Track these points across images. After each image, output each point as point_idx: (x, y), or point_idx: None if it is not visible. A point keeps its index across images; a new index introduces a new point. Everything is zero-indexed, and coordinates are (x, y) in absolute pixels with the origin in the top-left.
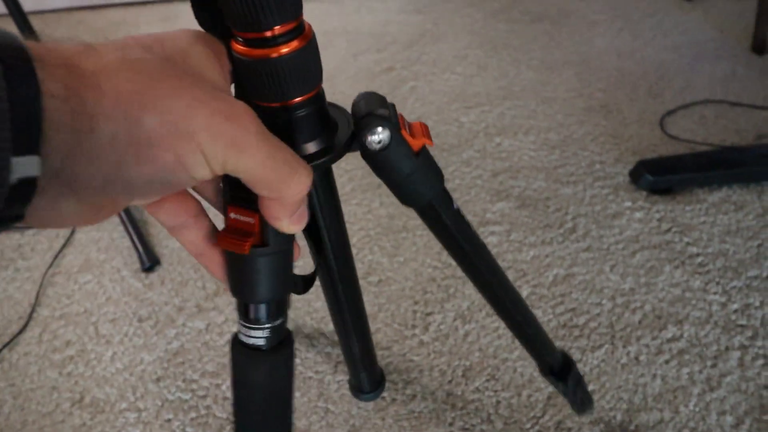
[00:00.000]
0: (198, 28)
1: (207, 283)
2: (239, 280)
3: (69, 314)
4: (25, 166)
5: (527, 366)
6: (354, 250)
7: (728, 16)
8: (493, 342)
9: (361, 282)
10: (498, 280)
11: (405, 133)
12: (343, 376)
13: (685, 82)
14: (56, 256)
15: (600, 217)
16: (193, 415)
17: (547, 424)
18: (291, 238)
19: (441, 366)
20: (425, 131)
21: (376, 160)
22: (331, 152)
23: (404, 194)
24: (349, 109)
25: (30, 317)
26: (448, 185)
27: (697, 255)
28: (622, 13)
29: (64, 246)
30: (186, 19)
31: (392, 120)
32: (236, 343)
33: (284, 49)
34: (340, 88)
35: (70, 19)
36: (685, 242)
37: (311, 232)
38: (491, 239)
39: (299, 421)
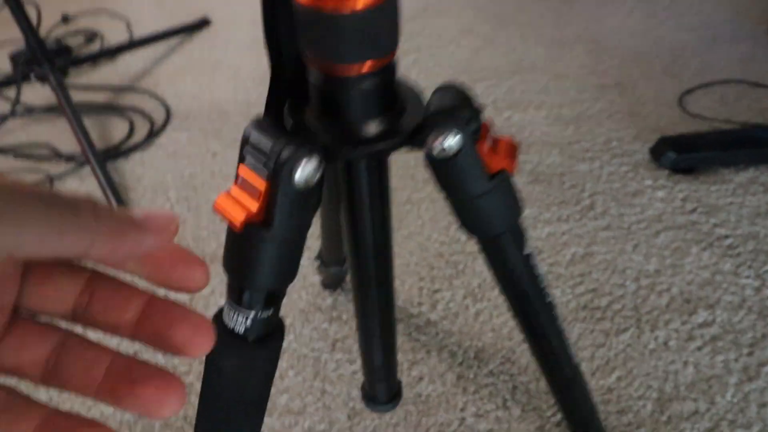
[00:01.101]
0: None
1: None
2: (232, 254)
3: None
4: None
5: None
6: None
7: None
8: (508, 322)
9: None
10: (558, 347)
11: (483, 147)
12: (341, 354)
13: (702, 63)
14: None
15: (619, 195)
16: None
17: None
18: (303, 226)
19: (451, 347)
20: (511, 152)
21: (438, 168)
22: (391, 138)
23: (465, 218)
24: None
25: None
26: None
27: (726, 237)
28: None
29: None
30: None
31: (468, 127)
32: (218, 320)
33: (359, 4)
34: None
35: None
36: (712, 223)
37: (352, 228)
38: None
39: (293, 402)
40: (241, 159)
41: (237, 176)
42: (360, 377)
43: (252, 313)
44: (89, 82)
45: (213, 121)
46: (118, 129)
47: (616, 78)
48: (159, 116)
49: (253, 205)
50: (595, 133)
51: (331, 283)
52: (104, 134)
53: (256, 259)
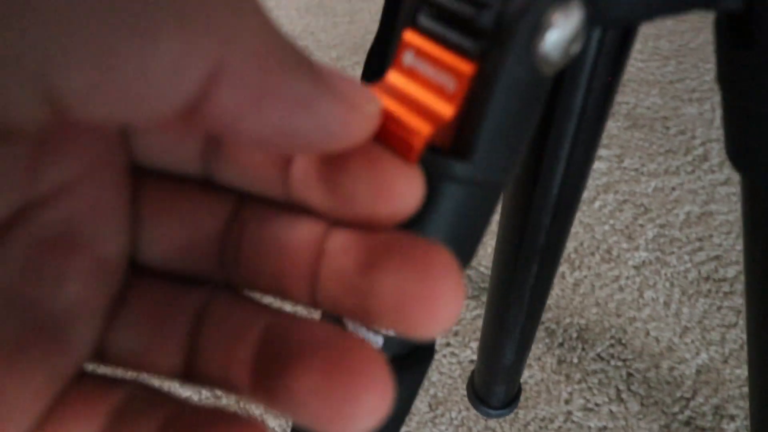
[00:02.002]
0: None
1: None
2: None
3: None
4: None
5: (663, 329)
6: None
7: None
8: (614, 295)
9: None
10: None
11: None
12: None
13: None
14: None
15: None
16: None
17: (702, 408)
18: (516, 156)
19: (547, 324)
20: None
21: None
22: None
23: None
24: None
25: None
26: None
27: None
28: None
29: None
30: None
31: None
32: None
33: None
34: None
35: None
36: None
37: (540, 147)
38: (598, 165)
39: None
40: (410, 21)
41: (397, 53)
42: (441, 357)
43: None
44: None
45: None
46: None
47: None
48: None
49: (446, 109)
50: (702, 69)
51: None
52: None
53: (428, 221)
